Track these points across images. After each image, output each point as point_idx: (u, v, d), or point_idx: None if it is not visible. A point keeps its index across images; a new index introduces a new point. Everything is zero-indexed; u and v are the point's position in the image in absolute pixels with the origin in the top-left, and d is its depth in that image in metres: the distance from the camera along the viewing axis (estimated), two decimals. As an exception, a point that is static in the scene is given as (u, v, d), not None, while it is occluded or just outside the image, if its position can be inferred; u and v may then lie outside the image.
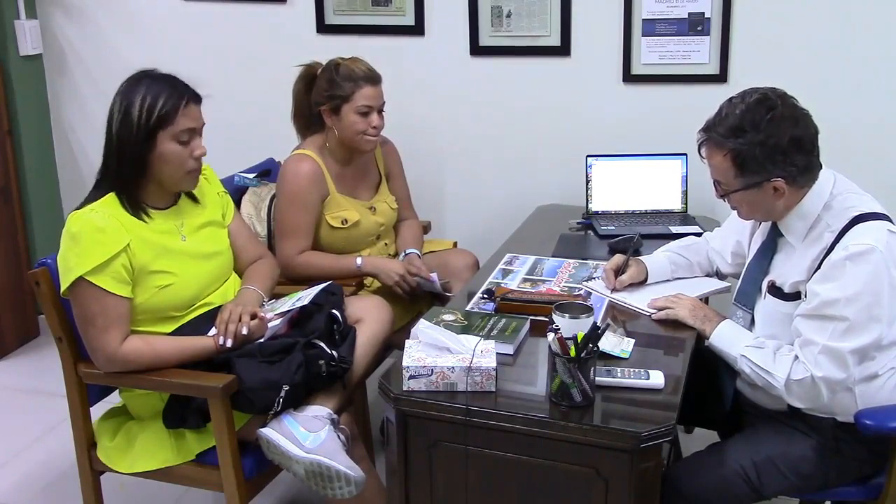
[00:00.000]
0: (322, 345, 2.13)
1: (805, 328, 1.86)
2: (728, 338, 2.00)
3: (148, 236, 2.11)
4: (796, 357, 1.86)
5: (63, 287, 2.05)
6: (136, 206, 2.11)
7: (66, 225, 2.06)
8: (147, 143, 2.06)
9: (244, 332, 2.10)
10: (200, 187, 2.26)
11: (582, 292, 2.29)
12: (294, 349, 2.11)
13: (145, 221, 2.12)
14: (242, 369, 2.06)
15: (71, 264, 2.02)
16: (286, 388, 2.06)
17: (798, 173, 1.88)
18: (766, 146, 1.85)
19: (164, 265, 2.12)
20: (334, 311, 2.25)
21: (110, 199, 2.10)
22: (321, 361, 2.10)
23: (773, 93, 1.90)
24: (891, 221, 1.89)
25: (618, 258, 2.35)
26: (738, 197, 1.95)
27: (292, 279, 2.62)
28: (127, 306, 2.07)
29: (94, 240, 2.02)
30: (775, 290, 1.98)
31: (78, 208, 2.09)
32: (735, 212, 2.06)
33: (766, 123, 1.85)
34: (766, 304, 2.01)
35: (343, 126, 2.67)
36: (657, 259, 2.37)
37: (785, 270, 1.97)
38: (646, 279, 2.32)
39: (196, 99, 2.13)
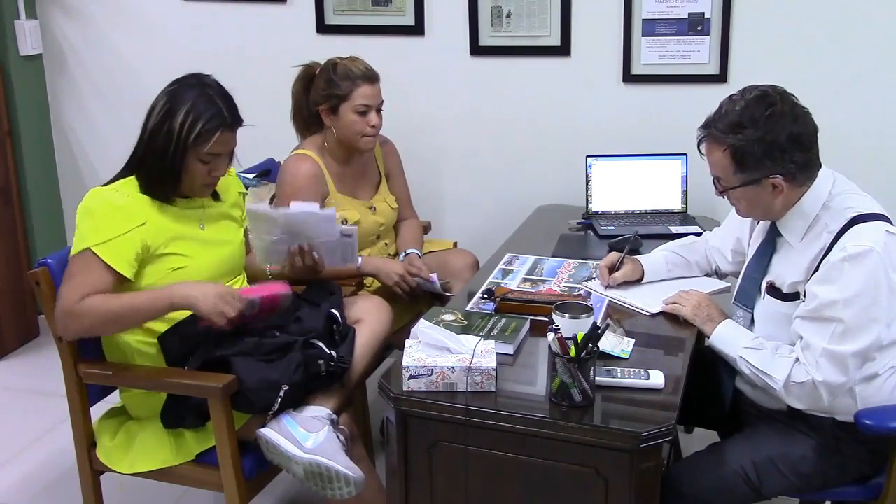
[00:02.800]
0: (321, 345, 2.13)
1: (805, 330, 1.86)
2: (727, 339, 2.01)
3: (167, 220, 2.14)
4: (797, 359, 1.86)
5: (72, 253, 2.06)
6: (159, 192, 2.14)
7: (83, 199, 2.09)
8: (175, 154, 2.09)
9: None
10: (223, 182, 2.28)
11: (582, 292, 2.29)
12: (293, 348, 2.11)
13: (168, 205, 2.15)
14: (241, 369, 2.06)
15: (84, 234, 2.05)
16: (285, 387, 2.06)
17: (797, 170, 1.88)
18: (764, 142, 1.85)
19: (179, 248, 2.15)
20: (333, 310, 2.25)
21: (134, 181, 2.14)
22: (320, 361, 2.10)
23: (773, 90, 1.90)
24: (889, 222, 1.89)
25: (613, 255, 2.35)
26: (736, 194, 1.95)
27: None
28: (115, 282, 2.05)
29: (110, 216, 2.05)
30: (774, 291, 1.98)
31: (103, 185, 2.13)
32: (735, 209, 2.06)
33: (765, 120, 1.85)
34: (765, 305, 2.01)
35: (341, 125, 2.67)
36: (653, 258, 2.37)
37: (783, 270, 1.97)
38: (641, 278, 2.33)
39: (236, 125, 2.17)
